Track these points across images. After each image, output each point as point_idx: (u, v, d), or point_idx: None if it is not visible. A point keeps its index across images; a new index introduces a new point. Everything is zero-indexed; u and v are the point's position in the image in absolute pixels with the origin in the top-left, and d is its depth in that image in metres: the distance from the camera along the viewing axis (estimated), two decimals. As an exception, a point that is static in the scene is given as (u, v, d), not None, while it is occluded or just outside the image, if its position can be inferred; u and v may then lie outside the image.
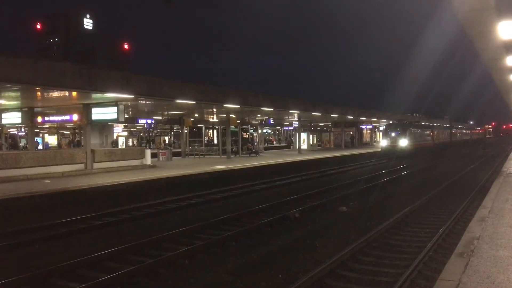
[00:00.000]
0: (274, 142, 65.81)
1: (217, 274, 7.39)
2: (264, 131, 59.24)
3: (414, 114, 74.82)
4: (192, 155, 34.00)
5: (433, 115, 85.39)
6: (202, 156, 33.24)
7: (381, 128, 56.58)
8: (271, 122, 46.08)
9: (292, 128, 54.18)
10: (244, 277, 7.16)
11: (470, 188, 16.31)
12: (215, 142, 44.25)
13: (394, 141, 36.96)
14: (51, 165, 18.91)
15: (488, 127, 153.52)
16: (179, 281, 7.14)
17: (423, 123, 54.25)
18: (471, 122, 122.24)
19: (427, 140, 43.86)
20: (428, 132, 46.23)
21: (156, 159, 28.69)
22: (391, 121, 47.80)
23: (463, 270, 4.92)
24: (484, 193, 12.28)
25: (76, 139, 47.53)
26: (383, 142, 38.75)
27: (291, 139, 60.96)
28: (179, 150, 35.36)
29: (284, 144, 61.45)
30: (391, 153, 34.39)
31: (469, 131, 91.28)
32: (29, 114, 22.95)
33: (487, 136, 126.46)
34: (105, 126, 35.30)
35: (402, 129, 38.01)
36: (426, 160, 32.95)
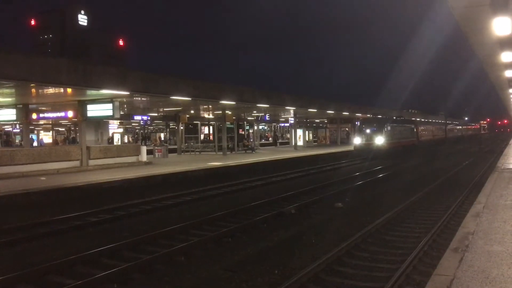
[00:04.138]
0: (270, 139, 65.74)
1: (213, 270, 7.40)
2: (260, 127, 59.19)
3: (410, 110, 74.85)
4: (188, 151, 33.98)
5: (427, 111, 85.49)
6: (198, 153, 33.24)
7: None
8: (267, 119, 46.07)
9: (287, 124, 54.21)
10: (241, 273, 7.17)
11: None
12: (211, 138, 44.19)
13: (369, 138, 32.54)
14: (46, 162, 18.84)
15: (483, 123, 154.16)
16: (175, 277, 7.15)
17: (411, 118, 49.56)
18: (466, 118, 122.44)
19: (408, 138, 39.13)
20: (410, 128, 41.25)
21: (152, 155, 28.65)
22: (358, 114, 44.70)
23: (457, 265, 4.95)
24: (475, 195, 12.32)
25: (71, 136, 47.38)
26: (356, 140, 33.79)
27: (276, 136, 60.81)
28: (175, 146, 35.34)
29: (281, 141, 61.38)
30: (366, 153, 30.75)
31: (461, 127, 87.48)
32: (23, 111, 22.84)
33: (481, 132, 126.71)
34: (100, 123, 35.19)
35: (378, 125, 33.64)
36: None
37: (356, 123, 51.22)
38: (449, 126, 70.16)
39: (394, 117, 39.37)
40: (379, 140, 31.87)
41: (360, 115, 48.50)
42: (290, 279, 6.47)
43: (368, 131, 33.12)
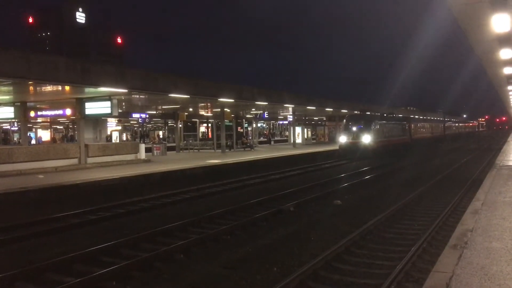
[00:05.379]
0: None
1: (212, 268, 7.40)
2: (259, 125, 59.15)
3: (409, 108, 74.82)
4: (186, 149, 33.95)
5: (427, 109, 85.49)
6: (197, 151, 33.20)
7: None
8: (265, 116, 46.06)
9: (286, 122, 54.21)
10: (239, 270, 7.17)
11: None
12: (209, 136, 44.16)
13: (355, 137, 30.04)
14: (45, 160, 18.78)
15: (481, 120, 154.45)
16: (174, 275, 7.14)
17: (400, 115, 46.36)
18: (464, 116, 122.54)
19: (400, 136, 36.33)
20: (402, 125, 38.32)
21: (151, 153, 28.60)
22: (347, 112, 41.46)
23: (456, 262, 4.95)
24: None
25: (70, 134, 47.32)
26: (342, 139, 31.12)
27: (271, 133, 60.71)
28: (174, 144, 35.29)
29: (278, 138, 61.35)
30: (352, 152, 28.88)
31: (458, 125, 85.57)
32: (21, 109, 22.77)
33: (480, 130, 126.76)
34: (98, 121, 35.20)
35: (365, 121, 30.98)
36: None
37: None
38: (447, 124, 68.38)
39: (384, 114, 37.45)
40: (366, 139, 29.67)
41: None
42: (289, 276, 6.47)
43: (354, 128, 30.79)
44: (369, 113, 34.49)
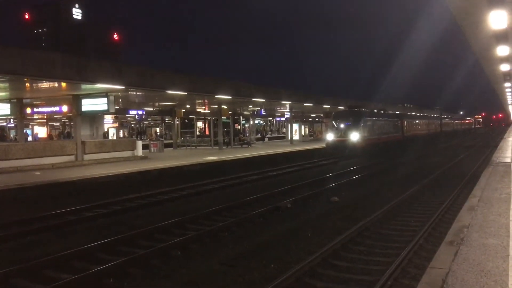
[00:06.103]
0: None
1: (210, 265, 7.40)
2: (256, 122, 59.07)
3: (406, 105, 74.95)
4: (184, 146, 33.91)
5: (424, 106, 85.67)
6: (194, 147, 33.18)
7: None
8: (262, 113, 46.01)
9: (284, 119, 54.18)
10: (237, 267, 7.18)
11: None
12: (207, 133, 44.08)
13: (343, 134, 28.37)
14: (41, 157, 18.74)
15: (478, 117, 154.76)
16: (171, 272, 7.14)
17: (390, 111, 44.05)
18: (461, 113, 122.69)
19: (391, 133, 34.73)
20: (393, 122, 36.51)
21: (148, 150, 28.56)
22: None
23: (453, 258, 4.96)
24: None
25: (66, 131, 47.20)
26: (329, 136, 29.36)
27: (264, 131, 60.68)
28: (171, 141, 35.25)
29: (276, 135, 61.33)
30: (340, 150, 27.63)
31: (454, 122, 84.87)
32: (18, 106, 22.69)
33: (476, 127, 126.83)
34: (95, 118, 35.13)
35: (354, 118, 29.26)
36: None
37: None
38: (444, 120, 67.41)
39: (375, 110, 36.08)
40: (354, 136, 27.97)
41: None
42: (286, 273, 6.48)
43: (342, 125, 29.15)
44: (357, 109, 33.11)
